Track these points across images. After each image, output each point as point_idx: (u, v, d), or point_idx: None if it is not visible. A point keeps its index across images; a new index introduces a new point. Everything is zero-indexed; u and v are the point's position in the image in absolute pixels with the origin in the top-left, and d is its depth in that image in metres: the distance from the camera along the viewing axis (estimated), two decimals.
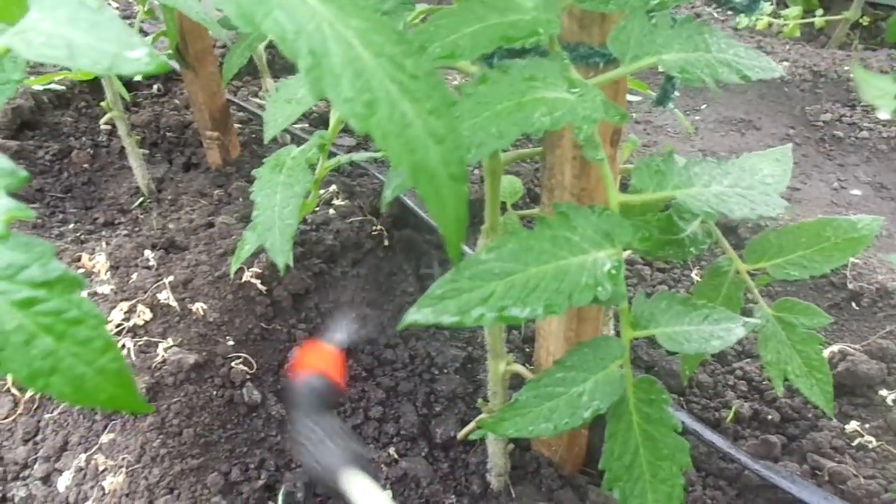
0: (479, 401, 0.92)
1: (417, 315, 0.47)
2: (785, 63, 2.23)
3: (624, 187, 0.63)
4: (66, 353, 0.36)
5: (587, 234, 0.53)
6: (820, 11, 2.50)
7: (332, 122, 0.83)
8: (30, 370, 0.35)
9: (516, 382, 1.08)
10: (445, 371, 1.15)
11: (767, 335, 0.82)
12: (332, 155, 0.92)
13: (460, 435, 1.01)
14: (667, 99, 0.81)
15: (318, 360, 0.82)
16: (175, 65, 1.57)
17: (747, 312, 0.85)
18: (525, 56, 0.59)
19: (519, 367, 0.87)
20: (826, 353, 1.15)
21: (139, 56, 0.36)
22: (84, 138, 1.82)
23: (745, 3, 0.68)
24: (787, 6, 2.55)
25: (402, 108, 0.35)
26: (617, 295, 0.53)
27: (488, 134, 0.44)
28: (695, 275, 1.38)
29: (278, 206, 0.74)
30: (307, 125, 1.83)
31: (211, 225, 1.36)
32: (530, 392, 0.59)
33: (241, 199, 1.49)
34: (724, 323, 0.63)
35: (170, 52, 1.54)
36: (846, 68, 2.13)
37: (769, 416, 1.09)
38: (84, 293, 0.36)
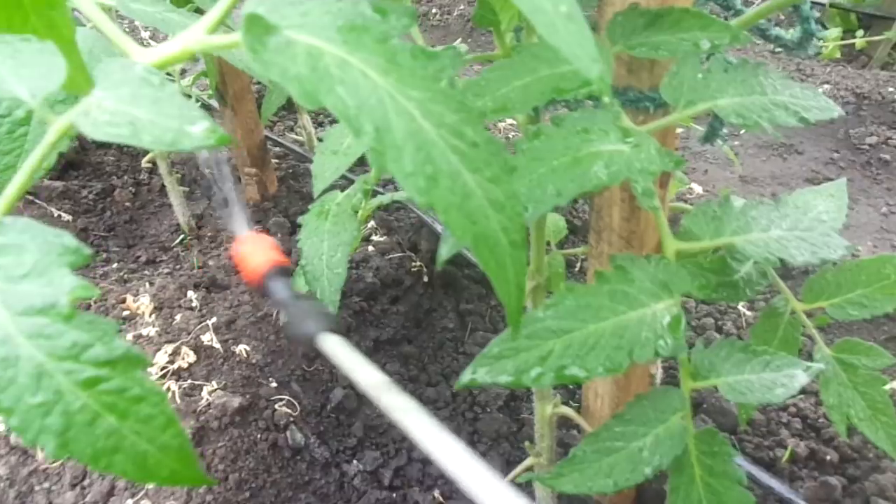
0: (527, 443, 0.90)
1: (474, 375, 0.46)
2: (826, 85, 2.19)
3: (671, 223, 0.62)
4: (128, 432, 0.35)
5: (644, 286, 0.52)
6: (860, 32, 2.45)
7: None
8: (94, 450, 0.35)
9: (561, 422, 1.06)
10: (488, 409, 1.14)
11: (828, 377, 0.79)
12: (374, 193, 0.92)
13: (508, 478, 0.99)
14: (715, 136, 0.79)
15: (262, 253, 0.86)
16: (214, 103, 1.60)
17: (804, 352, 0.82)
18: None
19: (567, 410, 0.85)
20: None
21: (200, 130, 0.36)
22: (126, 177, 1.86)
23: (797, 41, 0.66)
24: (825, 28, 2.51)
25: (464, 178, 0.34)
26: (678, 348, 0.52)
27: (545, 192, 0.43)
28: (741, 306, 1.35)
29: (325, 254, 0.73)
30: None
31: None
32: (589, 446, 0.57)
33: (279, 235, 1.50)
34: (785, 369, 0.60)
35: (210, 92, 1.57)
36: (891, 89, 2.08)
37: (827, 457, 1.05)
38: (146, 371, 0.36)
